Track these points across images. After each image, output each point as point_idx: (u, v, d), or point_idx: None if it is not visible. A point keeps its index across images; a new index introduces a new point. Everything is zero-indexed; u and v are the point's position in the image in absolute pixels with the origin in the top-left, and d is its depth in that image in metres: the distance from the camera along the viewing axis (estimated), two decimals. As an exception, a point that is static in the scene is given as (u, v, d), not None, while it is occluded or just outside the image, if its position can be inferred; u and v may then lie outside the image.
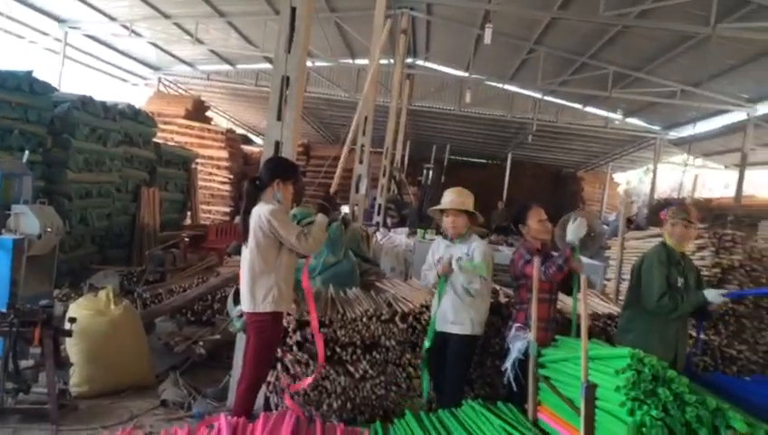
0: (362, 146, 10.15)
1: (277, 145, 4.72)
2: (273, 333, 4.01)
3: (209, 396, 4.84)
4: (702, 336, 4.51)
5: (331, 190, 4.44)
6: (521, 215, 4.51)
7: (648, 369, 2.77)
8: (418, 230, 10.91)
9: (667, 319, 4.04)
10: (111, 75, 19.58)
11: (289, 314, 4.45)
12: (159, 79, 20.02)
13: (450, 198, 4.55)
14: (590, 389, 2.99)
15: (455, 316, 4.25)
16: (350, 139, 5.55)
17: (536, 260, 3.90)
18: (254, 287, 3.87)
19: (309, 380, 4.27)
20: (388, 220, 14.71)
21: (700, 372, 4.49)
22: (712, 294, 3.90)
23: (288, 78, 4.70)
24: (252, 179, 4.17)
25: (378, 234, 11.88)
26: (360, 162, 10.11)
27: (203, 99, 18.47)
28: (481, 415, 3.80)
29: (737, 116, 15.27)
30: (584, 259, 9.13)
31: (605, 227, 13.97)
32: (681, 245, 4.16)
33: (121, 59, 18.66)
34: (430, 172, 18.42)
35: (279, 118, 4.72)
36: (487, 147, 23.69)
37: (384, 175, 14.62)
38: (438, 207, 4.57)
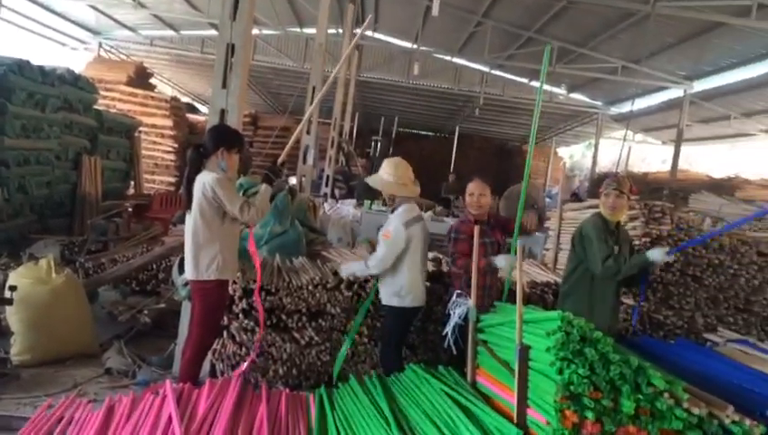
0: (310, 116, 10.10)
1: (222, 113, 4.70)
2: (218, 301, 4.05)
3: (154, 364, 4.86)
4: (643, 303, 4.77)
5: (279, 161, 4.45)
6: (464, 187, 4.66)
7: (577, 330, 2.93)
8: (366, 201, 11.00)
9: (604, 286, 4.25)
10: (49, 39, 18.80)
11: (235, 283, 4.49)
12: (100, 44, 19.33)
13: (382, 172, 4.62)
14: (524, 351, 3.14)
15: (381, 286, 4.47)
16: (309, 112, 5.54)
17: (476, 228, 4.02)
18: (197, 256, 3.89)
19: (251, 357, 4.33)
20: (336, 192, 14.75)
21: (630, 336, 4.75)
22: (655, 254, 4.02)
23: (233, 45, 4.68)
24: (196, 147, 4.16)
25: (325, 205, 11.93)
26: (308, 133, 10.07)
27: (146, 65, 17.95)
28: (422, 379, 3.93)
29: (674, 93, 15.78)
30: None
31: (548, 199, 14.38)
32: (614, 215, 4.35)
33: (59, 21, 17.90)
34: (378, 144, 18.50)
35: (224, 86, 4.70)
36: (435, 119, 23.85)
37: (332, 146, 14.61)
38: (372, 183, 4.68)
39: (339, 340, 4.70)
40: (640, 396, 2.83)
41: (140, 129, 13.61)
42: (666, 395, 2.84)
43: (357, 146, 19.67)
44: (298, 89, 10.75)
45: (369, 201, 10.10)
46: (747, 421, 2.84)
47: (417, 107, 21.91)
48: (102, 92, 14.36)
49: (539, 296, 4.95)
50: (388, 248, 4.31)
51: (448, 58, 18.82)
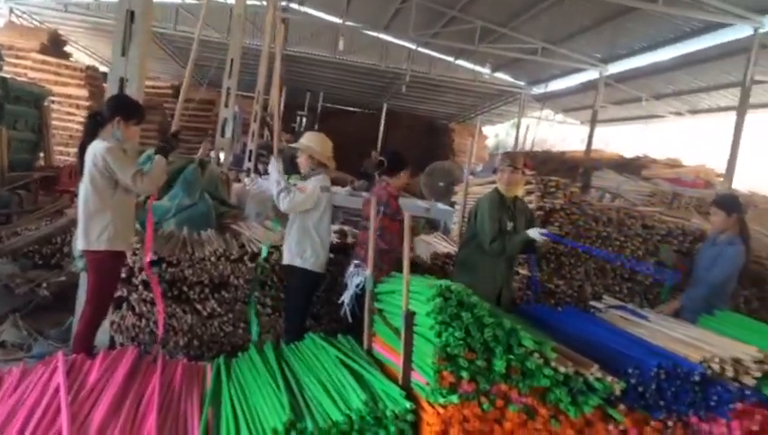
0: (228, 89, 9.97)
1: (122, 82, 4.61)
2: (111, 272, 4.01)
3: (52, 337, 4.78)
4: (536, 273, 5.02)
5: (172, 129, 4.41)
6: (400, 164, 4.71)
7: (455, 296, 3.08)
8: (290, 177, 10.96)
9: (497, 260, 4.47)
10: (-47, 2, 17.74)
11: (135, 254, 4.46)
12: (11, 9, 18.35)
13: (302, 139, 4.73)
14: (409, 316, 3.27)
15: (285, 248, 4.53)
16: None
17: (373, 200, 4.13)
18: (88, 225, 3.84)
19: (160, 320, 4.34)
20: (260, 166, 14.60)
21: (523, 304, 4.98)
22: (533, 233, 4.32)
23: (133, 12, 4.58)
24: (92, 114, 4.10)
25: (246, 179, 11.80)
26: (226, 106, 9.93)
27: (61, 33, 17.17)
28: (320, 347, 4.03)
29: (591, 75, 16.33)
30: (439, 205, 9.61)
31: (471, 177, 14.72)
32: (510, 190, 4.55)
33: (-36, -16, 16.93)
34: (303, 119, 18.38)
35: (123, 53, 4.60)
36: (363, 96, 23.84)
37: (255, 120, 14.42)
38: (293, 145, 4.78)
39: (242, 311, 4.74)
40: (512, 356, 3.01)
41: (53, 99, 13.05)
42: (535, 355, 3.02)
43: (284, 121, 19.45)
44: (223, 61, 10.54)
45: (288, 176, 10.06)
46: (609, 378, 3.07)
47: (344, 83, 21.83)
48: (13, 60, 13.68)
49: (440, 267, 5.12)
50: (302, 198, 4.40)
51: (375, 34, 18.81)
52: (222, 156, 10.09)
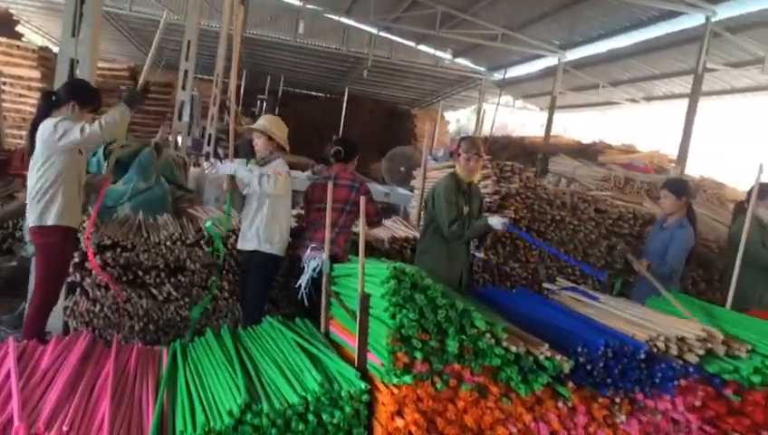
0: (185, 72, 9.82)
1: (72, 63, 4.52)
2: (61, 252, 3.95)
3: (4, 323, 4.70)
4: (480, 254, 5.10)
5: (140, 83, 4.29)
6: (354, 151, 4.90)
7: (409, 278, 3.12)
8: (249, 161, 10.88)
9: (457, 245, 4.54)
10: None
11: (88, 238, 4.39)
12: (-42, -13, 17.71)
13: (260, 121, 4.74)
14: (365, 299, 3.31)
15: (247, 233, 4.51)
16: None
17: (330, 184, 4.13)
18: (37, 201, 3.78)
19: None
20: (220, 151, 14.42)
21: (479, 286, 5.07)
22: (494, 221, 4.39)
23: (84, -9, 4.48)
24: (47, 93, 4.03)
25: (204, 163, 11.67)
26: (184, 89, 9.79)
27: (12, 12, 16.62)
28: (277, 330, 4.05)
29: (550, 61, 16.52)
30: (399, 189, 9.66)
31: (433, 161, 14.78)
32: (470, 176, 4.65)
33: None
34: (264, 103, 18.19)
35: (74, 34, 4.50)
36: (324, 80, 23.68)
37: (215, 104, 14.23)
38: (250, 126, 4.78)
39: (199, 295, 4.72)
40: (464, 337, 3.07)
41: (4, 80, 12.66)
42: (487, 335, 3.09)
43: (244, 105, 19.22)
44: (174, 42, 10.39)
45: (247, 160, 9.98)
46: (558, 357, 3.15)
47: (305, 67, 21.64)
48: (-41, 40, 13.24)
49: (397, 251, 5.16)
50: (283, 181, 4.42)
51: (336, 18, 18.68)
52: (179, 139, 9.95)
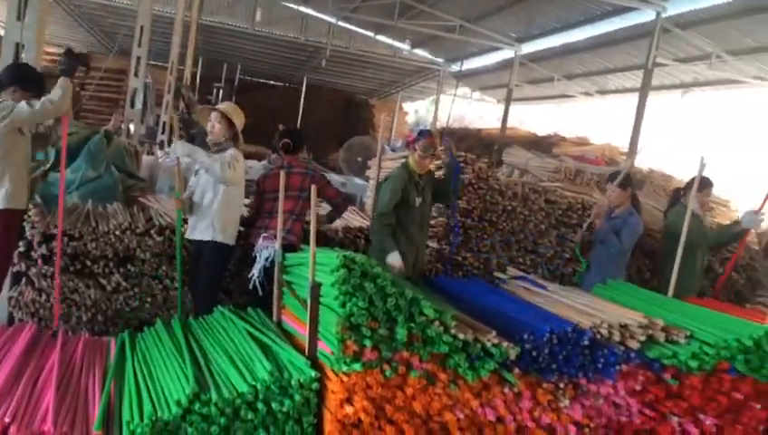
0: (138, 58, 9.62)
1: (17, 48, 4.40)
2: (6, 236, 3.86)
3: (-56, 315, 4.55)
4: (457, 238, 5.18)
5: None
6: (302, 142, 4.92)
7: (359, 267, 3.14)
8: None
9: (410, 232, 4.59)
10: None
11: (33, 228, 4.30)
12: None
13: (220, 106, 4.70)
14: (315, 288, 3.32)
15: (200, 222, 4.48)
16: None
17: (282, 174, 4.12)
18: None
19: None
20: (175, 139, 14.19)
21: (432, 275, 5.13)
22: (393, 259, 4.44)
23: (28, -26, 4.36)
24: None
25: (158, 152, 11.47)
26: (136, 75, 9.60)
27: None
28: (229, 320, 4.03)
29: (507, 54, 16.69)
30: (356, 179, 9.67)
31: (391, 151, 14.81)
32: (422, 169, 4.72)
33: None
34: (221, 92, 17.94)
35: (19, 17, 4.38)
36: (283, 69, 23.45)
37: (169, 92, 13.97)
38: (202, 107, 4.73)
39: (149, 285, 4.66)
40: (413, 325, 3.11)
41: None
42: (436, 323, 3.13)
43: (200, 93, 18.91)
44: (126, 27, 10.16)
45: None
46: (505, 344, 3.22)
47: (262, 55, 21.40)
48: None
49: (351, 241, 5.18)
50: (240, 169, 4.41)
51: (294, 6, 18.50)
52: (132, 127, 9.76)
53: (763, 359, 3.54)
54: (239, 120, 4.56)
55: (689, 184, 5.20)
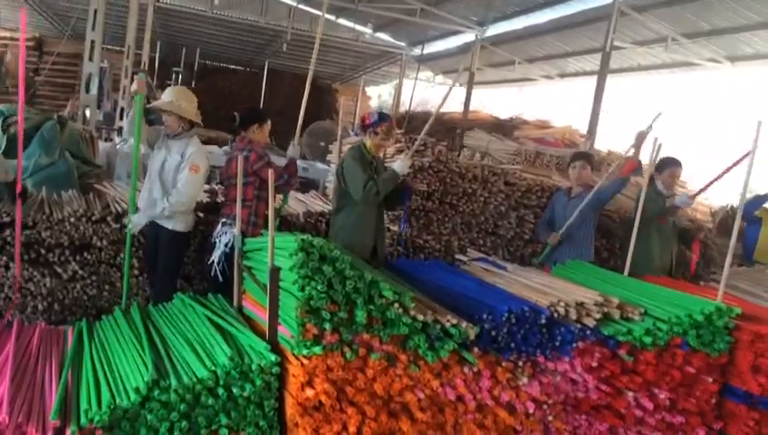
0: (92, 42, 9.38)
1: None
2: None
3: None
4: (403, 228, 5.17)
5: None
6: (253, 118, 4.73)
7: (317, 250, 3.14)
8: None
9: (369, 215, 4.57)
10: None
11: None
12: None
13: (165, 97, 4.59)
14: (275, 272, 3.31)
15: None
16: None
17: (240, 158, 4.09)
18: None
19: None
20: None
21: (393, 259, 5.15)
22: (399, 166, 4.42)
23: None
24: None
25: (116, 138, 11.25)
26: (91, 60, 9.36)
27: None
28: (189, 307, 4.00)
29: (468, 37, 16.71)
30: (318, 164, 9.63)
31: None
32: (378, 151, 4.71)
33: None
34: (180, 76, 17.64)
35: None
36: (244, 53, 23.09)
37: (126, 77, 13.68)
38: (152, 105, 4.61)
39: (107, 273, 4.59)
40: (373, 307, 3.13)
41: None
42: (395, 305, 3.16)
43: (159, 77, 18.55)
44: (80, 10, 9.87)
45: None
46: (464, 324, 3.27)
47: (222, 39, 21.01)
48: None
49: (313, 226, 5.17)
50: (199, 182, 4.36)
51: (254, -12, 18.23)
52: (88, 113, 9.54)
53: (714, 334, 3.66)
54: (187, 104, 4.46)
55: (659, 166, 5.29)
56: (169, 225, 4.35)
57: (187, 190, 4.29)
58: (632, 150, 5.18)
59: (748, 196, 5.15)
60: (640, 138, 5.10)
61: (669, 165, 5.40)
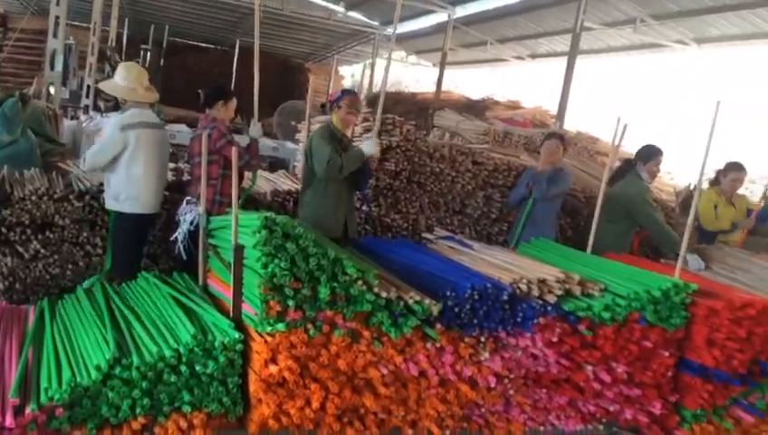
0: (57, 18, 9.18)
1: None
2: None
3: None
4: (365, 208, 5.18)
5: None
6: (217, 95, 4.67)
7: (280, 228, 3.14)
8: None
9: (338, 193, 4.56)
10: None
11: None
12: None
13: (116, 76, 4.57)
14: (239, 250, 3.31)
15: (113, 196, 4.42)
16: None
17: (204, 136, 4.06)
18: None
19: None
20: (102, 103, 13.65)
21: (361, 237, 5.16)
22: (367, 147, 4.43)
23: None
24: None
25: (83, 116, 11.05)
26: (55, 36, 9.16)
27: None
28: (153, 285, 3.98)
29: (441, 17, 16.66)
30: (288, 144, 9.59)
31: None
32: (346, 127, 4.71)
33: None
34: (148, 54, 17.34)
35: None
36: (215, 31, 22.72)
37: (93, 54, 13.40)
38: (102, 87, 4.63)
39: (70, 252, 4.54)
40: (336, 284, 3.15)
41: None
42: (359, 282, 3.18)
43: (127, 55, 18.19)
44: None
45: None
46: (427, 301, 3.30)
47: (192, 17, 20.65)
48: None
49: (280, 204, 5.16)
50: (100, 147, 4.30)
51: (223, -35, 17.90)
52: (52, 90, 9.35)
53: (671, 309, 3.74)
54: (124, 82, 4.46)
55: (641, 153, 5.32)
56: (115, 207, 4.34)
57: (89, 151, 4.37)
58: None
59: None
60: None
61: (656, 154, 5.30)
